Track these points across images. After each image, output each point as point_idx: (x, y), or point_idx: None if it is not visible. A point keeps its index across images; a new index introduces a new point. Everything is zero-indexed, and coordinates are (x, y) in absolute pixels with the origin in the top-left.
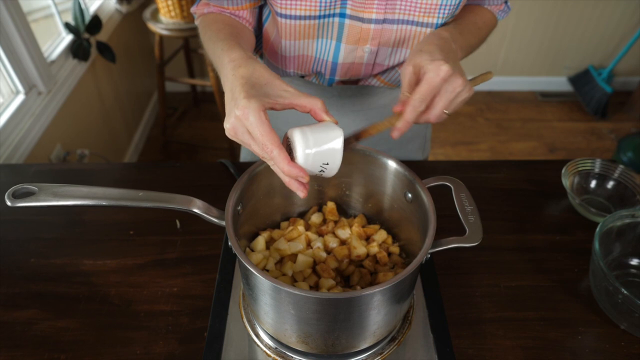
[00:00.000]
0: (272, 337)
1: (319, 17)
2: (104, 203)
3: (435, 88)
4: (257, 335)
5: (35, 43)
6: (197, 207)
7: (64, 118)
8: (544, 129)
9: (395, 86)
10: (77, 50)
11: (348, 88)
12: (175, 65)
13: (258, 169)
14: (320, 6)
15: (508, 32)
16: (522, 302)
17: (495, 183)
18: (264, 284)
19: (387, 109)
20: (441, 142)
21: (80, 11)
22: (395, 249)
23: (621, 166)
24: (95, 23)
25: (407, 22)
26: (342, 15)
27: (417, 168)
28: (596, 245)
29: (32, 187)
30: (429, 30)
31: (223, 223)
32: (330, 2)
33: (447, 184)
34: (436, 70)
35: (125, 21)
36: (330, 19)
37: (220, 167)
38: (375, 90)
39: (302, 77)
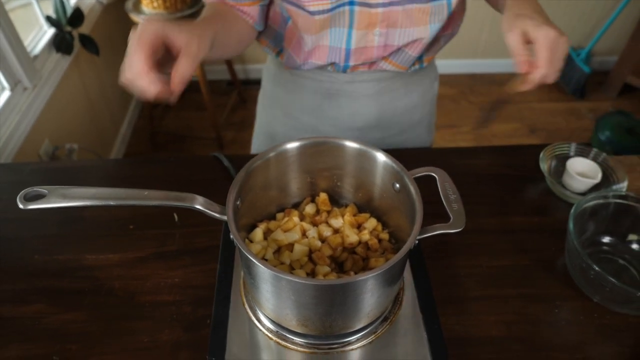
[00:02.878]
0: (273, 322)
1: (332, 9)
2: (111, 203)
3: (552, 52)
4: (259, 320)
5: (18, 37)
6: (200, 204)
7: (51, 113)
8: (525, 111)
9: (406, 68)
10: (60, 43)
11: (361, 73)
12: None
13: (255, 164)
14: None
15: (489, 16)
16: (503, 280)
17: (477, 169)
18: (265, 273)
19: (398, 92)
20: None
21: (61, 3)
22: (385, 235)
23: (595, 149)
24: (77, 15)
25: (413, 1)
26: (352, 3)
27: (403, 157)
28: (571, 225)
29: (42, 190)
30: (432, 5)
31: (224, 218)
32: None
33: (432, 174)
34: (547, 36)
35: (106, 13)
36: (342, 8)
37: (213, 161)
38: (387, 74)
39: (319, 67)
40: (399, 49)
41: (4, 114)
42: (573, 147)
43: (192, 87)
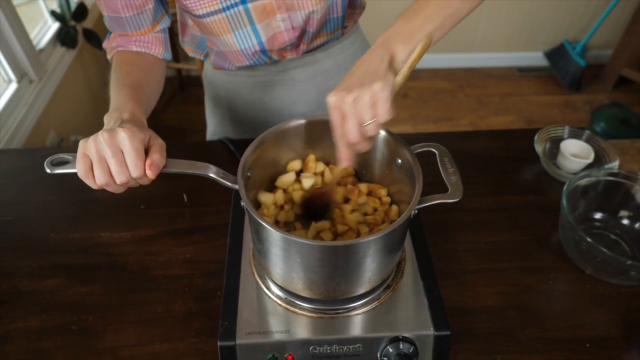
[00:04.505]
0: (281, 288)
1: (224, 9)
2: None
3: (336, 120)
4: (268, 288)
5: (25, 31)
6: (213, 173)
7: (56, 105)
8: (522, 103)
9: (329, 48)
10: (65, 37)
11: (290, 61)
12: None
13: (266, 138)
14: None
15: (485, 10)
16: (500, 255)
17: (475, 151)
18: (273, 235)
19: (331, 72)
20: (423, 118)
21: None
22: (387, 199)
23: (587, 131)
24: (80, 10)
25: None
26: (244, 2)
27: (403, 139)
28: (564, 200)
29: (66, 156)
30: None
31: (236, 186)
32: None
33: (432, 149)
34: (328, 107)
35: None
36: (236, 9)
37: (220, 146)
38: (316, 57)
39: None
40: (305, 29)
41: (11, 105)
42: (567, 129)
43: (192, 82)
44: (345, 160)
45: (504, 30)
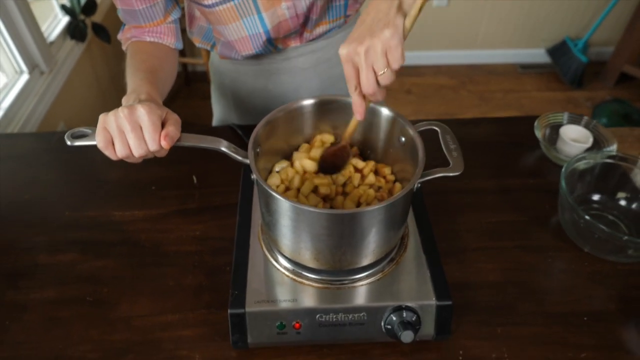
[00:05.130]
0: (289, 260)
1: None
2: None
3: (348, 72)
4: (276, 261)
5: (36, 24)
6: (225, 147)
7: (66, 97)
8: (524, 99)
9: (331, 37)
10: (74, 31)
11: (294, 49)
12: None
13: (274, 116)
14: None
15: (487, 7)
16: (501, 234)
17: (476, 137)
18: (283, 205)
19: (332, 60)
20: (426, 113)
21: None
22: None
23: (586, 117)
24: (90, 4)
25: None
26: None
27: None
28: (562, 182)
29: (86, 130)
30: None
31: (246, 161)
32: None
33: (435, 128)
34: (340, 54)
35: None
36: None
37: (229, 131)
38: (319, 46)
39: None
40: (308, 16)
41: (22, 96)
42: (566, 115)
43: (198, 77)
44: (360, 112)
45: (506, 27)
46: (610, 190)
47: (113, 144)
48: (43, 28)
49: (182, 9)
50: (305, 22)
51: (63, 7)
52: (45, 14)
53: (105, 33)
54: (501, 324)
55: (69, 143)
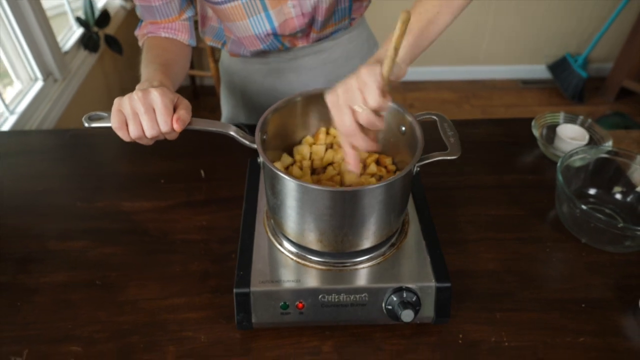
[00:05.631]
0: (293, 244)
1: None
2: None
3: (335, 116)
4: (281, 245)
5: (53, 34)
6: (233, 131)
7: (78, 104)
8: (526, 114)
9: (337, 38)
10: (88, 42)
11: (302, 49)
12: None
13: (281, 105)
14: None
15: (489, 24)
16: (500, 226)
17: (476, 137)
18: (288, 185)
19: (338, 61)
20: None
21: (90, 6)
22: (392, 167)
23: (581, 116)
24: (103, 17)
25: None
26: None
27: None
28: (559, 174)
29: (102, 113)
30: None
31: (254, 145)
32: None
33: (434, 117)
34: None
35: (130, 16)
36: None
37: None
38: (325, 46)
39: (262, 52)
40: (314, 17)
41: (36, 101)
42: (562, 115)
43: (206, 91)
44: (353, 164)
45: (507, 44)
46: (606, 184)
47: (127, 126)
48: (58, 38)
49: (195, 8)
50: (311, 22)
51: (78, 19)
52: (61, 25)
53: (117, 45)
54: (500, 309)
55: (86, 125)
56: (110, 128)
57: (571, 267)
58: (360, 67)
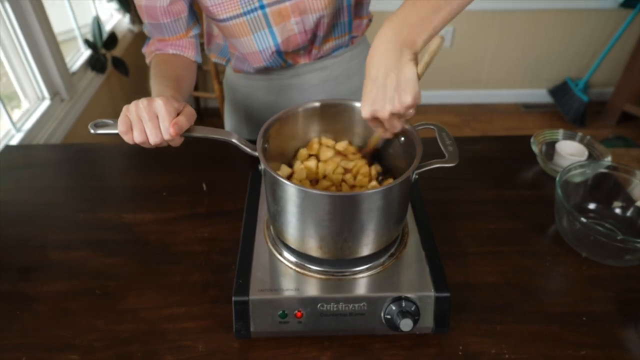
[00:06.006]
0: (292, 252)
1: (245, 13)
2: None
3: (374, 123)
4: (280, 254)
5: (61, 56)
6: (235, 139)
7: (83, 124)
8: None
9: (338, 55)
10: (95, 63)
11: (304, 66)
12: None
13: (282, 115)
14: (242, 5)
15: (490, 49)
16: (499, 240)
17: (476, 153)
18: (288, 191)
19: (340, 78)
20: None
21: (98, 29)
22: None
23: (580, 133)
24: (111, 40)
25: None
26: (262, 7)
27: None
28: (558, 188)
29: (108, 121)
30: None
31: (255, 153)
32: (248, 0)
33: (431, 127)
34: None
35: (138, 39)
36: (255, 14)
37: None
38: (327, 64)
39: (266, 69)
40: (315, 33)
41: (43, 120)
42: (561, 132)
43: (210, 113)
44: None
45: (508, 68)
46: (605, 199)
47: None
48: (67, 59)
49: (201, 26)
50: (313, 39)
51: (86, 41)
52: (70, 47)
53: (124, 66)
54: (500, 321)
55: (92, 131)
56: (114, 142)
57: (572, 281)
58: (403, 59)
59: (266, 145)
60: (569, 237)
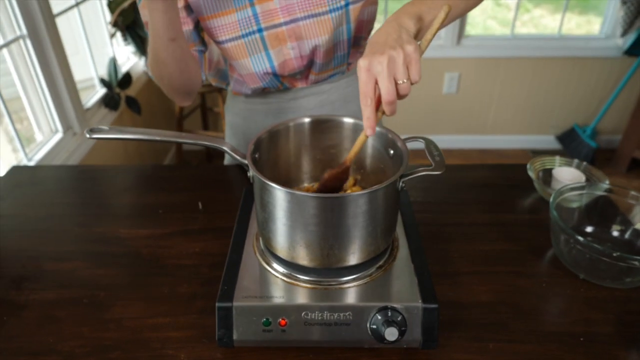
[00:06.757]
0: (281, 262)
1: (243, 36)
2: (157, 138)
3: (365, 83)
4: (268, 264)
5: (77, 93)
6: (227, 147)
7: (93, 157)
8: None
9: (335, 81)
10: (109, 101)
11: (301, 89)
12: (192, 122)
13: (275, 128)
14: (241, 27)
15: (495, 95)
16: (495, 260)
17: (473, 179)
18: (277, 196)
19: (336, 104)
20: None
21: (114, 69)
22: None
23: (577, 160)
24: (126, 80)
25: (308, 17)
26: (260, 30)
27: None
28: (553, 210)
29: (103, 127)
30: (329, 17)
31: (245, 161)
32: (247, 23)
33: (420, 140)
34: (358, 71)
35: (151, 81)
36: (253, 37)
37: (238, 169)
38: (324, 88)
39: (263, 90)
40: (312, 60)
41: (54, 151)
42: (557, 159)
43: (220, 154)
44: (372, 127)
45: (515, 114)
46: (602, 222)
47: None
48: (82, 97)
49: (206, 46)
50: (310, 65)
51: (102, 81)
52: (88, 92)
53: (137, 105)
54: (493, 340)
55: (87, 136)
56: (116, 163)
57: (569, 301)
58: (402, 37)
59: (257, 155)
60: (566, 258)
